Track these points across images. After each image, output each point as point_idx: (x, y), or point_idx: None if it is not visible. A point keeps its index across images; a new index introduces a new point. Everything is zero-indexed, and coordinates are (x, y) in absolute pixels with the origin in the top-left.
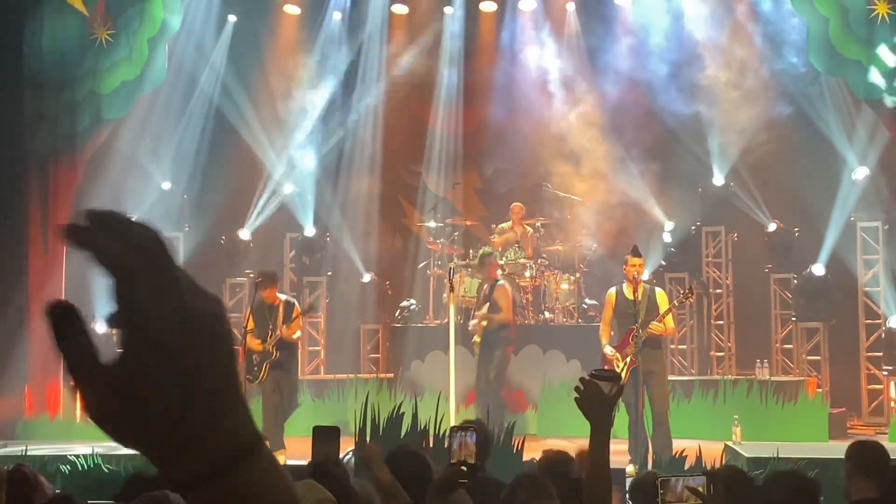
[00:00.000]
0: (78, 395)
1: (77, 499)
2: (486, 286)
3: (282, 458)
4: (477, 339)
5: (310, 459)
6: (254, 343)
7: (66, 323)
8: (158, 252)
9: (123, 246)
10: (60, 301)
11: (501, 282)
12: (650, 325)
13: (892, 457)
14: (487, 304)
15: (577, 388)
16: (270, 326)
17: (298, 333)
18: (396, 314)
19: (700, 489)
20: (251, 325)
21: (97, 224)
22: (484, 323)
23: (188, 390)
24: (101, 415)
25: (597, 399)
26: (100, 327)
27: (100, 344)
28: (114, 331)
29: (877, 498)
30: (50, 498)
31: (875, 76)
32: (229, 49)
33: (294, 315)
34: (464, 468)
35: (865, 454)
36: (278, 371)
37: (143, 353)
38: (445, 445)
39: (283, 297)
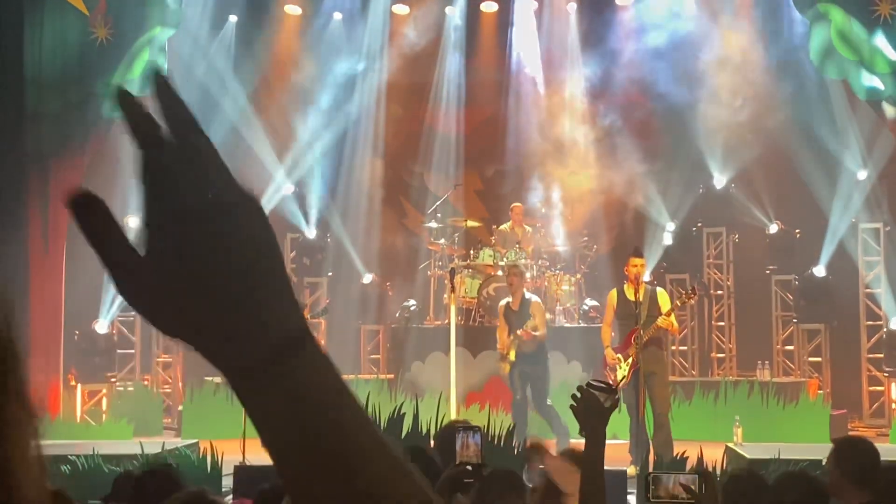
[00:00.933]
0: (114, 283)
1: (77, 499)
2: (511, 300)
3: None
4: (512, 357)
5: None
6: None
7: (92, 213)
8: (196, 134)
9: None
10: (83, 194)
11: (537, 298)
12: (658, 320)
13: (891, 458)
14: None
15: (573, 397)
16: None
17: None
18: (397, 315)
19: (692, 486)
20: None
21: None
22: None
23: (237, 273)
24: (142, 302)
25: (593, 409)
26: (100, 327)
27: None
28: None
29: None
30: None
31: (877, 77)
32: (230, 49)
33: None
34: (468, 468)
35: (853, 456)
36: None
37: (185, 234)
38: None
39: None
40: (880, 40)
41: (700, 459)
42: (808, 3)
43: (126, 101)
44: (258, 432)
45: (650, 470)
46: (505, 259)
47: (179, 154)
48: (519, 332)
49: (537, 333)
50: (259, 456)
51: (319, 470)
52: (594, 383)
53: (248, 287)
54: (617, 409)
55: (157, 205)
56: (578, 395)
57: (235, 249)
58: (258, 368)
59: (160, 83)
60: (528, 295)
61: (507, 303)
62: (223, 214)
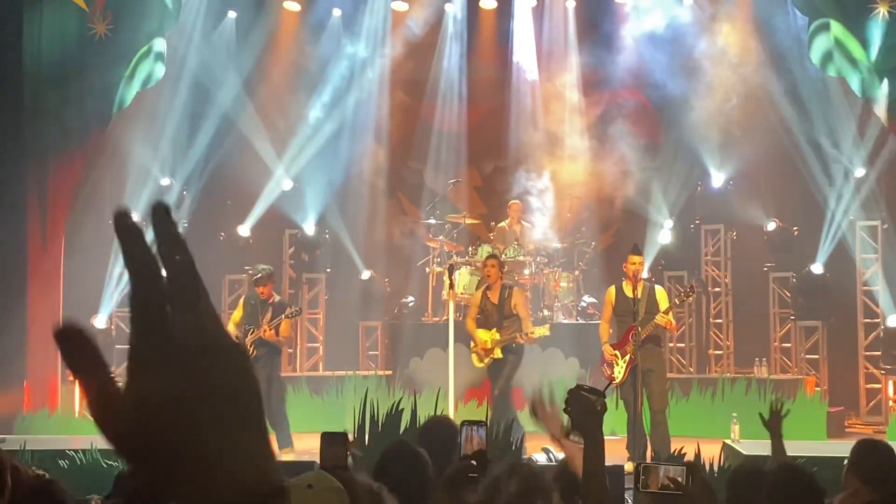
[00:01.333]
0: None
1: (75, 494)
2: (490, 290)
3: (290, 456)
4: (498, 354)
5: (317, 464)
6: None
7: (77, 346)
8: (193, 278)
9: (163, 257)
10: (69, 327)
11: (518, 287)
12: (657, 317)
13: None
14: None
15: (566, 401)
16: (258, 320)
17: (285, 336)
18: (395, 311)
19: (679, 479)
20: (239, 314)
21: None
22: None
23: (217, 423)
24: (120, 436)
25: (589, 412)
26: (99, 322)
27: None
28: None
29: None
30: (31, 477)
31: (876, 75)
32: (229, 44)
33: (279, 320)
34: (473, 462)
35: (865, 456)
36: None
37: (172, 376)
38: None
39: (277, 297)
40: (879, 38)
41: (697, 456)
42: (808, 1)
43: (125, 228)
44: None
45: None
46: (504, 256)
47: (175, 295)
48: (520, 337)
49: (534, 335)
50: None
51: None
52: (583, 386)
53: (227, 438)
54: (615, 406)
55: (147, 342)
56: (570, 398)
57: (219, 397)
58: None
59: (161, 218)
60: (506, 282)
61: (486, 292)
62: (212, 360)
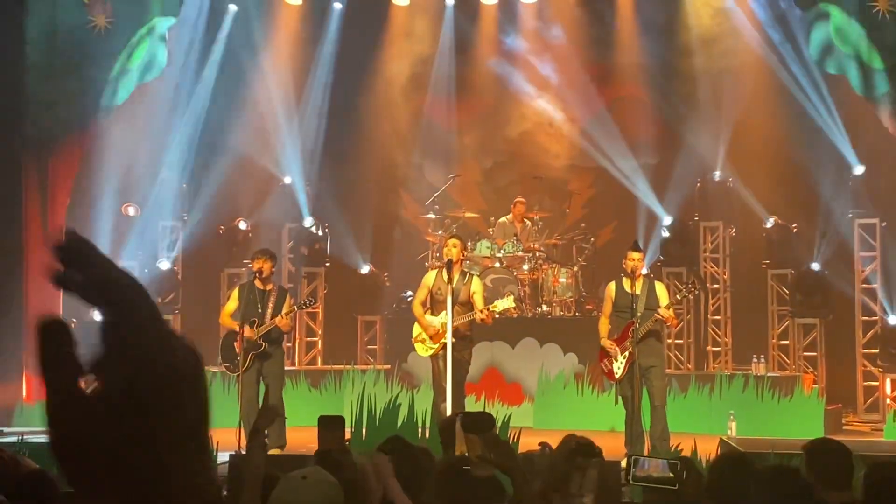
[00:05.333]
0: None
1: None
2: (443, 272)
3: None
4: (451, 338)
5: (316, 448)
6: (236, 326)
7: (56, 341)
8: (143, 299)
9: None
10: (53, 319)
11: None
12: (658, 311)
13: (885, 454)
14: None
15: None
16: (259, 312)
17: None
18: (394, 305)
19: (671, 475)
20: (233, 306)
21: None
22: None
23: (158, 435)
24: (68, 437)
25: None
26: (97, 315)
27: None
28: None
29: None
30: (28, 472)
31: (875, 73)
32: (229, 38)
33: (287, 310)
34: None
35: (824, 460)
36: (264, 362)
37: (123, 391)
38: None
39: (275, 284)
40: (879, 36)
41: (695, 452)
42: None
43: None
44: None
45: None
46: (503, 251)
47: (126, 312)
48: (480, 313)
49: (496, 309)
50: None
51: None
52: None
53: (166, 452)
54: (614, 403)
55: (106, 362)
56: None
57: (166, 407)
58: None
59: (69, 253)
60: (468, 269)
61: (441, 273)
62: (166, 365)
